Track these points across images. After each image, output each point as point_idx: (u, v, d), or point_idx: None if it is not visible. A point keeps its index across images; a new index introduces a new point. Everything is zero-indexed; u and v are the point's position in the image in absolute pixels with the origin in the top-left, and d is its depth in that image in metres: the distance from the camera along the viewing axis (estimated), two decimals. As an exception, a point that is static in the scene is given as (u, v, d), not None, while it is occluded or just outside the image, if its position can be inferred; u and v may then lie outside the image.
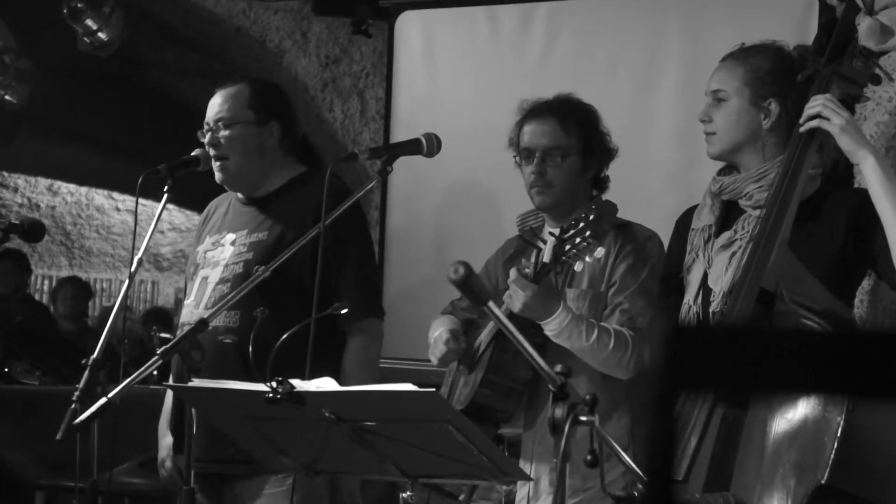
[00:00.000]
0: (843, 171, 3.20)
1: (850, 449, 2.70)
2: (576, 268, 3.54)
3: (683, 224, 3.43)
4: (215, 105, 4.02)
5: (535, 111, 3.82)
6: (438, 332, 3.81)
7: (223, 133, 3.97)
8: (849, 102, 3.15)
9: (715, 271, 3.21)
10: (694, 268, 3.29)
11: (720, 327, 1.60)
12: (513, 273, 3.47)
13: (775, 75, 3.28)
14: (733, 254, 3.18)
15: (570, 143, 3.75)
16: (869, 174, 3.04)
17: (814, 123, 3.08)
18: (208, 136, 3.98)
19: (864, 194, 3.12)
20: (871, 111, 3.60)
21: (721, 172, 3.36)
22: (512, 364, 3.60)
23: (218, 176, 3.99)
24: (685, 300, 3.28)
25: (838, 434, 2.70)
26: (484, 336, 3.74)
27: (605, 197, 3.86)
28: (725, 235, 3.26)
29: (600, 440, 2.60)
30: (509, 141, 3.86)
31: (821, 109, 3.07)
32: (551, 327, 3.51)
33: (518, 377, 3.63)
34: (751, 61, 3.31)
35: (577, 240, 3.31)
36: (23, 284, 9.24)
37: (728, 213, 3.30)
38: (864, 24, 3.18)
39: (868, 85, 3.20)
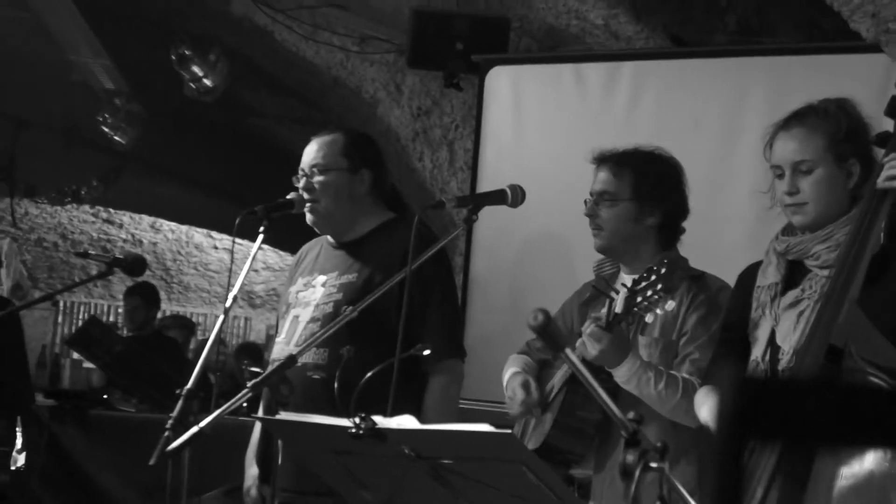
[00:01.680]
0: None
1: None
2: (647, 319, 3.53)
3: (746, 279, 3.37)
4: (311, 152, 4.07)
5: (599, 160, 3.84)
6: (511, 387, 3.80)
7: (317, 178, 4.02)
8: None
9: (783, 329, 3.15)
10: (761, 325, 3.22)
11: (788, 381, 1.58)
12: (588, 326, 3.47)
13: (853, 134, 3.19)
14: (801, 312, 3.12)
15: (619, 188, 3.75)
16: None
17: (888, 184, 3.02)
18: (303, 181, 4.03)
19: None
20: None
21: (785, 232, 3.30)
22: (583, 407, 3.59)
23: (309, 218, 4.04)
24: (753, 356, 3.21)
25: (904, 490, 2.65)
26: (557, 379, 3.73)
27: (681, 249, 3.84)
28: (793, 294, 3.19)
29: (669, 486, 2.58)
30: None
31: None
32: (620, 374, 3.50)
33: (589, 420, 3.61)
34: (825, 127, 3.20)
35: (649, 292, 3.29)
36: (149, 319, 9.08)
37: (793, 272, 3.24)
38: (942, 88, 3.13)
39: None
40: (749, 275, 3.38)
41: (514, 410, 3.78)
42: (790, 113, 3.30)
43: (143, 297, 9.13)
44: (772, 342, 3.16)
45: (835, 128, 3.20)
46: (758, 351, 3.20)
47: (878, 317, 2.96)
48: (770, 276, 3.25)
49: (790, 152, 3.21)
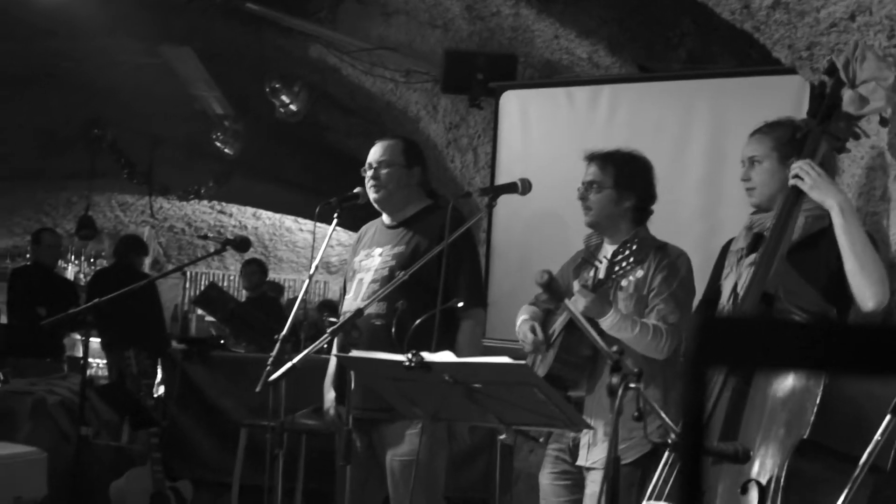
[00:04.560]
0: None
1: (826, 412, 2.64)
2: (622, 283, 3.51)
3: (725, 250, 3.42)
4: (377, 151, 4.06)
5: (589, 157, 3.81)
6: (523, 330, 3.76)
7: (383, 171, 4.02)
8: (835, 154, 3.11)
9: (742, 282, 3.17)
10: (728, 278, 3.25)
11: (736, 320, 1.56)
12: (577, 285, 3.46)
13: (794, 141, 3.22)
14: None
15: (603, 179, 3.71)
16: (833, 218, 2.99)
17: (793, 182, 3.05)
18: (370, 171, 4.03)
19: None
20: (847, 165, 3.51)
21: (755, 212, 3.31)
22: (578, 345, 3.57)
23: (373, 197, 4.03)
24: (721, 303, 3.24)
25: (817, 401, 2.64)
26: (558, 324, 3.71)
27: (649, 225, 3.81)
28: (752, 257, 3.20)
29: (644, 401, 2.57)
30: None
31: (798, 171, 3.03)
32: (606, 323, 3.47)
33: (582, 355, 3.60)
34: (775, 133, 3.27)
35: (624, 263, 3.28)
36: (260, 284, 9.45)
37: (756, 242, 3.24)
38: (847, 94, 3.12)
39: (850, 139, 3.14)
40: (726, 247, 3.42)
41: (526, 349, 3.78)
42: None
43: (259, 266, 9.45)
44: (734, 291, 3.17)
45: (781, 134, 3.24)
46: (724, 298, 3.22)
47: (809, 275, 2.97)
48: (739, 243, 3.30)
49: (748, 150, 3.29)
